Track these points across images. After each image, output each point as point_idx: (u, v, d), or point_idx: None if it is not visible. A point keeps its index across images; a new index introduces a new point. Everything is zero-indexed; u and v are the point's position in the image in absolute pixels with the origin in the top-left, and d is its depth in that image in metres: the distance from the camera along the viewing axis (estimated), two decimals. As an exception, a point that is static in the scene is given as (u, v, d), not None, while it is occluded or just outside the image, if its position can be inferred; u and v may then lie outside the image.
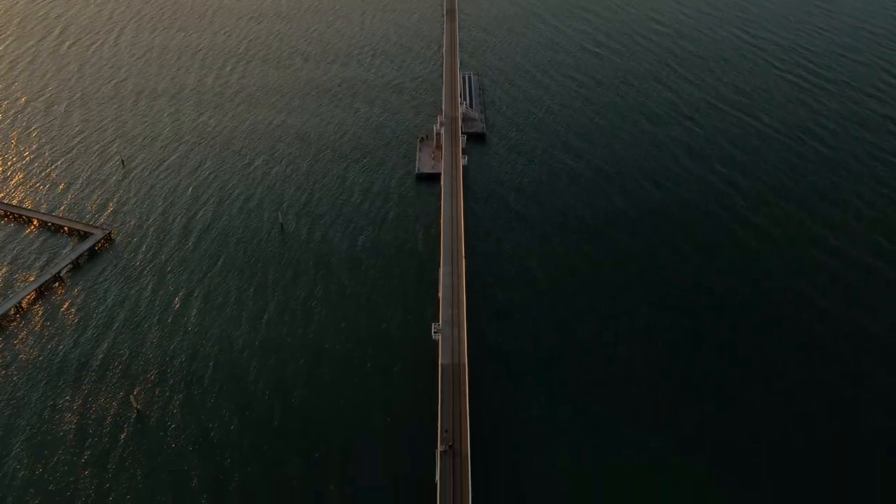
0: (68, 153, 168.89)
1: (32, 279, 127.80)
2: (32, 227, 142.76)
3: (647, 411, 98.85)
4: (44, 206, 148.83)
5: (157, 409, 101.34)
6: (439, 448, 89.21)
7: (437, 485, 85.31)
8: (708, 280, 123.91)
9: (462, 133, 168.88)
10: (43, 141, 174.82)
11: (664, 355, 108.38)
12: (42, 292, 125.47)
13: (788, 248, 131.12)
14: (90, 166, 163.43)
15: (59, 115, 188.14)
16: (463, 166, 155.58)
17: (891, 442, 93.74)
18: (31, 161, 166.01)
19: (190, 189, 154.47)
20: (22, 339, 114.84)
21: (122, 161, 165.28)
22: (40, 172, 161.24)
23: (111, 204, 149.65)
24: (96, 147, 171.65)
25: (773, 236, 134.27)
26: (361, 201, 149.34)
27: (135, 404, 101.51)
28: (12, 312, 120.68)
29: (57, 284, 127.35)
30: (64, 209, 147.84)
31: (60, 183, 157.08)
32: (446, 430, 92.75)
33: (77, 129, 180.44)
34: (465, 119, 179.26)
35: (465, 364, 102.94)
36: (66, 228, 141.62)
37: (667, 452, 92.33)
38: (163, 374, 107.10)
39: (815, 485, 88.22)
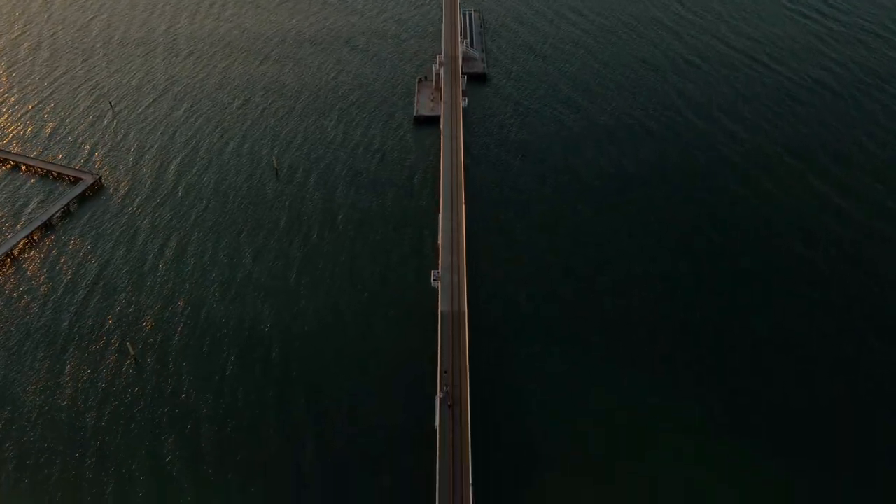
0: (51, 96, 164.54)
1: (22, 226, 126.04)
2: (20, 172, 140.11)
3: (646, 357, 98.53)
4: (31, 150, 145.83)
5: (154, 355, 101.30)
6: (439, 394, 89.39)
7: (436, 430, 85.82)
8: (708, 228, 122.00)
9: (462, 74, 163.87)
10: (25, 85, 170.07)
11: (663, 301, 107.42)
12: (33, 240, 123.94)
13: (789, 197, 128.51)
14: (76, 110, 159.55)
15: (41, 58, 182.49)
16: (463, 108, 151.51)
17: (887, 392, 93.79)
18: (15, 105, 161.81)
19: (179, 132, 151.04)
20: (14, 287, 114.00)
21: (111, 104, 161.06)
22: (25, 116, 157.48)
23: (100, 148, 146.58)
24: (81, 90, 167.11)
25: (774, 186, 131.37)
26: (357, 145, 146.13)
27: (131, 351, 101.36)
28: (3, 261, 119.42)
29: (48, 231, 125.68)
30: (52, 154, 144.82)
31: (47, 127, 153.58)
32: (445, 371, 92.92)
33: (60, 72, 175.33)
34: (466, 59, 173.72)
35: (464, 312, 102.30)
36: (54, 174, 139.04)
37: (665, 399, 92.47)
38: (159, 320, 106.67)
39: (813, 432, 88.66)
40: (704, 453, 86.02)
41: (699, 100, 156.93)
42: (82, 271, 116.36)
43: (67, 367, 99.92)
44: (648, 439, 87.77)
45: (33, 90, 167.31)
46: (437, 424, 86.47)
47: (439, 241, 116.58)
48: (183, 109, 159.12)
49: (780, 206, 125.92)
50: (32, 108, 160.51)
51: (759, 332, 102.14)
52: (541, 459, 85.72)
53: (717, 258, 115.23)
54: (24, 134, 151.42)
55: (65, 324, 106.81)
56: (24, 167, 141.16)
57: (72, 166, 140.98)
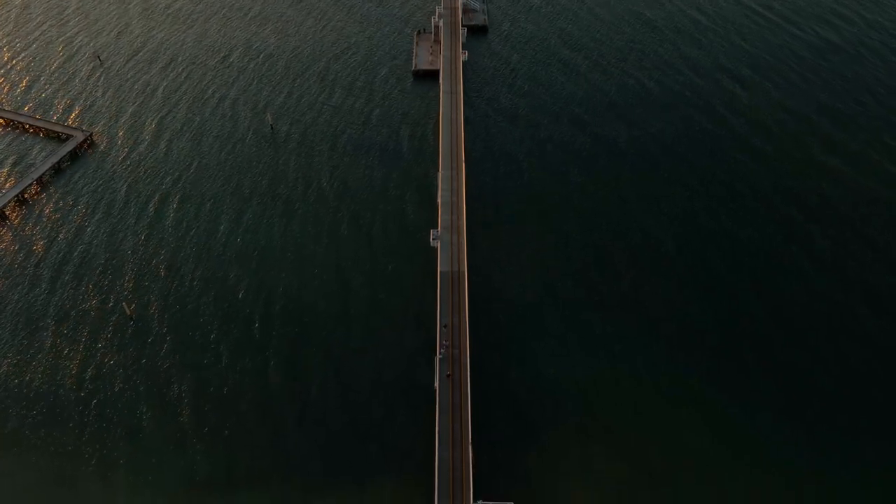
0: (32, 48, 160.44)
1: (13, 185, 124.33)
2: (9, 129, 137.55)
3: (645, 319, 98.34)
4: (19, 107, 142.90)
5: (150, 313, 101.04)
6: (439, 348, 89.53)
7: (436, 390, 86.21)
8: (707, 178, 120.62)
9: (462, 26, 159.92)
10: (10, 41, 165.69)
11: (661, 265, 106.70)
12: (24, 198, 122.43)
13: (793, 150, 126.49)
14: (65, 66, 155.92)
15: (29, 13, 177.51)
16: (463, 62, 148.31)
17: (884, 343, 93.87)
18: (1, 61, 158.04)
19: (164, 88, 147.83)
20: (6, 247, 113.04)
21: (99, 59, 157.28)
22: (11, 73, 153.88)
23: (91, 104, 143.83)
24: (62, 43, 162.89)
25: (777, 138, 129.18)
26: (354, 101, 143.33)
27: (127, 311, 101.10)
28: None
29: (40, 189, 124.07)
30: (41, 111, 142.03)
31: (35, 84, 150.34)
32: (445, 326, 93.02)
33: (43, 25, 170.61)
34: (466, 10, 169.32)
35: (464, 272, 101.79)
36: (44, 131, 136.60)
37: (665, 362, 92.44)
38: (155, 279, 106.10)
39: (815, 397, 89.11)
40: (704, 416, 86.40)
41: (702, 60, 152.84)
42: (75, 230, 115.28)
43: (61, 329, 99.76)
44: (649, 401, 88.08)
45: (19, 46, 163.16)
46: (436, 384, 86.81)
47: (438, 200, 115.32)
48: (171, 66, 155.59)
49: (782, 169, 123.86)
50: (19, 63, 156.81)
51: (759, 299, 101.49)
52: (541, 419, 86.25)
53: (715, 223, 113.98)
54: (11, 90, 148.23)
55: (58, 284, 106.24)
56: (13, 124, 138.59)
57: (62, 123, 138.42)
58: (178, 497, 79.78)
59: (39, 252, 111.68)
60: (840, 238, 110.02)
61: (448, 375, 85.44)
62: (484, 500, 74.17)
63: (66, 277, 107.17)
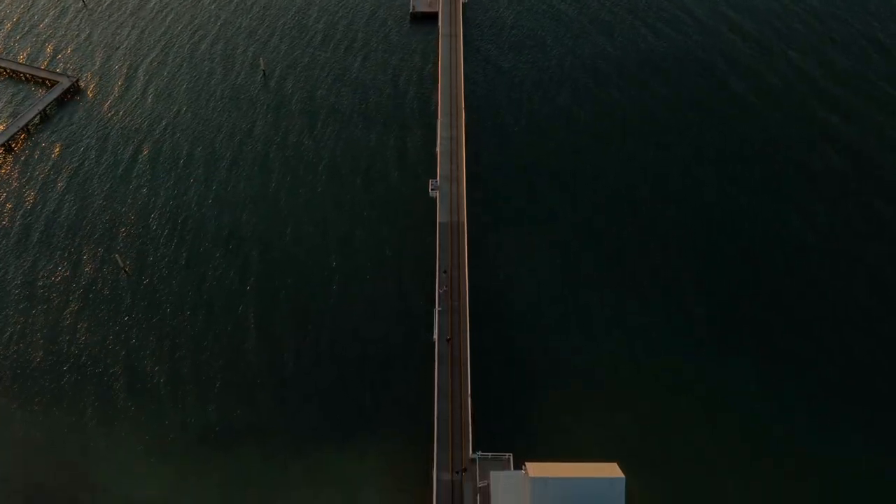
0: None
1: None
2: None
3: (643, 267, 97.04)
4: (0, 51, 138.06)
5: (144, 265, 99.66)
6: (438, 291, 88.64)
7: (435, 342, 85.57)
8: (706, 131, 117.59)
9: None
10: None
11: (660, 210, 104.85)
12: (10, 147, 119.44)
13: (794, 101, 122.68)
14: (47, 9, 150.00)
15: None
16: (463, 4, 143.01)
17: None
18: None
19: (150, 31, 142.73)
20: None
21: (83, 0, 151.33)
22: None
23: (75, 49, 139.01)
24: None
25: (777, 90, 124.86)
26: (348, 44, 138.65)
27: (121, 263, 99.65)
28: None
29: (26, 137, 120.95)
30: (25, 55, 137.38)
31: (18, 27, 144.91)
32: (444, 271, 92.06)
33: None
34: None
35: (464, 222, 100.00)
36: (28, 76, 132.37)
37: (660, 314, 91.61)
38: (148, 228, 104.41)
39: (816, 348, 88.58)
40: (702, 369, 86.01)
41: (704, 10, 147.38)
42: (64, 179, 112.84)
43: (53, 278, 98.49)
44: (647, 355, 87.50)
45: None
46: (435, 336, 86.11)
47: (437, 149, 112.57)
48: (158, 8, 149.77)
49: (786, 109, 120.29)
50: (1, 7, 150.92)
51: (756, 247, 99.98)
52: (539, 370, 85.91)
53: (714, 164, 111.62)
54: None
55: (50, 232, 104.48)
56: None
57: (47, 69, 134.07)
58: (174, 450, 79.89)
59: (28, 202, 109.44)
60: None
61: (448, 339, 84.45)
62: (483, 452, 74.26)
63: (56, 228, 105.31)
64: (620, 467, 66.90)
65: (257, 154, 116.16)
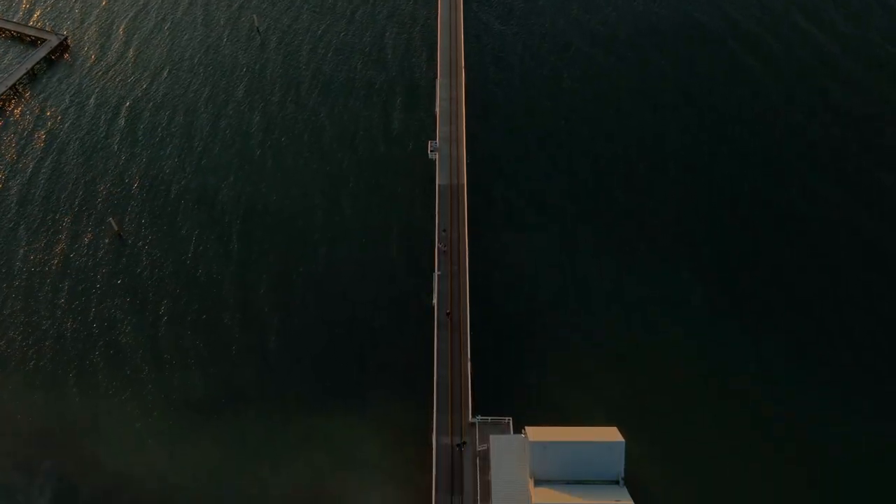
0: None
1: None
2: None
3: (641, 230, 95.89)
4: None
5: (137, 228, 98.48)
6: (437, 271, 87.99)
7: (434, 306, 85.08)
8: (705, 96, 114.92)
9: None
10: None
11: (660, 172, 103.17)
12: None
13: (795, 67, 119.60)
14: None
15: None
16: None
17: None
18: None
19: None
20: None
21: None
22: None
23: (64, 5, 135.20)
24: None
25: (778, 54, 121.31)
26: (343, 2, 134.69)
27: (114, 226, 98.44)
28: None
29: (13, 97, 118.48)
30: (12, 12, 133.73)
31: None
32: (444, 230, 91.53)
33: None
34: None
35: (463, 185, 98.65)
36: (17, 34, 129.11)
37: (659, 274, 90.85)
38: (136, 189, 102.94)
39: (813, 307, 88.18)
40: (703, 332, 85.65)
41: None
42: (51, 138, 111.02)
43: (36, 241, 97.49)
44: (647, 317, 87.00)
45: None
46: (434, 301, 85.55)
47: (437, 110, 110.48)
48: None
49: (787, 75, 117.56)
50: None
51: (755, 216, 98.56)
52: (539, 333, 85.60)
53: (713, 130, 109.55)
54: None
55: (40, 195, 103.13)
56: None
57: (35, 26, 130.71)
58: (170, 414, 79.86)
59: (14, 162, 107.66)
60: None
61: (448, 313, 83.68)
62: (482, 416, 74.38)
63: (41, 189, 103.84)
64: (620, 431, 67.16)
65: (244, 114, 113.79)
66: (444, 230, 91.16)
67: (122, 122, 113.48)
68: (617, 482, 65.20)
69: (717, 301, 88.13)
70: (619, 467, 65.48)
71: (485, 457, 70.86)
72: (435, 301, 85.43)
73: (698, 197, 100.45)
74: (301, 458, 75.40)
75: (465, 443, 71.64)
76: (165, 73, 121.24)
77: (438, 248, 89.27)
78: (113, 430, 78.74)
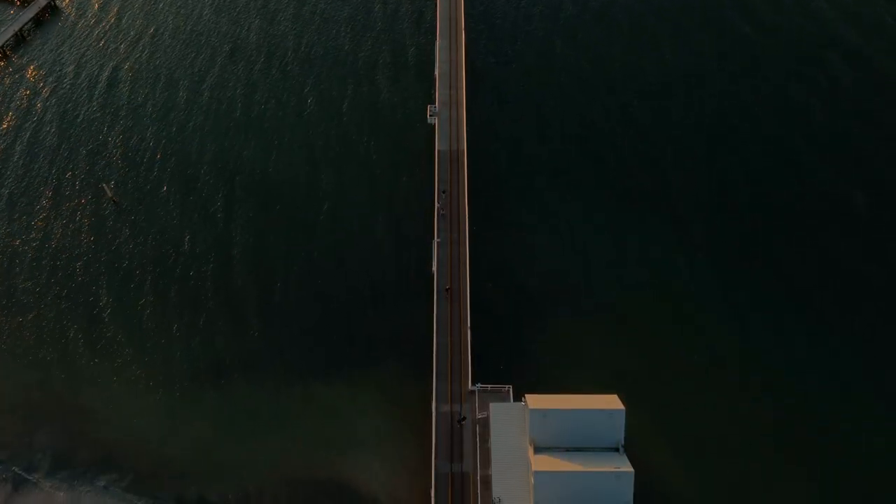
0: None
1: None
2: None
3: (643, 194, 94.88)
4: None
5: (126, 192, 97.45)
6: (436, 238, 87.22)
7: (433, 274, 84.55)
8: (706, 39, 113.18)
9: None
10: None
11: (661, 139, 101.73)
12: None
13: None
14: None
15: None
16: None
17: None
18: None
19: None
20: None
21: None
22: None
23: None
24: None
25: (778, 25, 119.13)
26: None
27: (108, 193, 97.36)
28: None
29: (2, 59, 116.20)
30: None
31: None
32: (444, 191, 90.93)
33: None
34: None
35: (463, 150, 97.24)
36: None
37: (659, 236, 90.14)
38: (129, 155, 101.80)
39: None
40: (704, 300, 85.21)
41: None
42: (41, 103, 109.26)
43: (33, 206, 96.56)
44: (648, 285, 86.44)
45: None
46: (434, 268, 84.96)
47: (436, 72, 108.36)
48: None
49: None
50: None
51: (759, 169, 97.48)
52: (538, 299, 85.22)
53: (715, 73, 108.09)
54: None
55: (31, 160, 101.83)
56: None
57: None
58: (168, 384, 79.89)
59: (5, 128, 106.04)
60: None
61: (447, 289, 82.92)
62: (482, 384, 74.39)
63: (34, 155, 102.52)
64: (620, 399, 67.12)
65: (240, 74, 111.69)
66: (444, 191, 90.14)
67: (109, 85, 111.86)
68: (617, 449, 65.38)
69: (718, 272, 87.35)
70: (619, 435, 65.56)
71: (484, 424, 71.06)
72: (434, 269, 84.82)
73: (702, 165, 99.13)
74: (297, 428, 75.65)
75: (465, 418, 71.76)
76: (155, 37, 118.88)
77: (438, 210, 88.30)
78: (102, 403, 78.78)
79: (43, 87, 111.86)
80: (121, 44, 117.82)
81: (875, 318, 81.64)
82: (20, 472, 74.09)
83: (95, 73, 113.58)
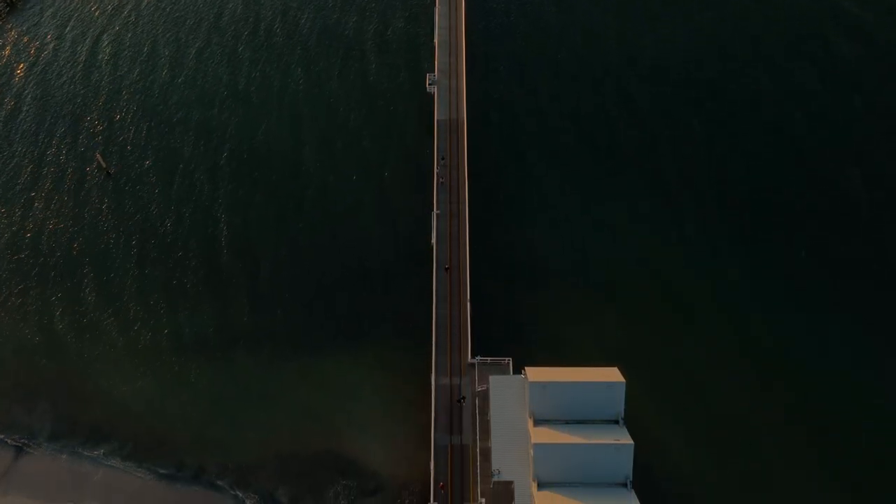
0: None
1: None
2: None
3: (639, 165, 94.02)
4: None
5: (122, 163, 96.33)
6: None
7: (433, 246, 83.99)
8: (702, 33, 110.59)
9: None
10: None
11: (662, 108, 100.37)
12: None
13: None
14: None
15: None
16: None
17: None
18: None
19: None
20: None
21: None
22: None
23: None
24: None
25: None
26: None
27: (101, 163, 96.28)
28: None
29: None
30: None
31: None
32: (443, 158, 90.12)
33: None
34: None
35: (463, 120, 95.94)
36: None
37: (665, 212, 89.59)
38: (115, 125, 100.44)
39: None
40: (707, 270, 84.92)
41: None
42: (30, 71, 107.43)
43: (19, 174, 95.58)
44: (648, 256, 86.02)
45: None
46: (433, 240, 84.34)
47: (435, 40, 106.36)
48: None
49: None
50: None
51: (755, 142, 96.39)
52: (538, 271, 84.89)
53: (717, 45, 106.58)
54: None
55: (22, 125, 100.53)
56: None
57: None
58: (168, 355, 79.98)
59: None
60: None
61: (446, 269, 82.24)
62: (482, 357, 74.36)
63: (21, 123, 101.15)
64: (621, 371, 67.11)
65: (227, 43, 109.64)
66: (443, 158, 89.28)
67: (103, 51, 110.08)
68: (617, 422, 65.57)
69: (717, 247, 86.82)
70: (619, 407, 65.70)
71: (484, 397, 71.19)
72: (434, 241, 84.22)
73: (702, 130, 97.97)
74: (294, 401, 75.96)
75: (464, 397, 71.76)
76: (139, 6, 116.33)
77: (437, 177, 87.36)
78: (96, 376, 79.09)
79: (32, 54, 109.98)
80: (115, 6, 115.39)
81: (870, 291, 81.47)
82: (19, 442, 74.68)
83: (79, 40, 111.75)
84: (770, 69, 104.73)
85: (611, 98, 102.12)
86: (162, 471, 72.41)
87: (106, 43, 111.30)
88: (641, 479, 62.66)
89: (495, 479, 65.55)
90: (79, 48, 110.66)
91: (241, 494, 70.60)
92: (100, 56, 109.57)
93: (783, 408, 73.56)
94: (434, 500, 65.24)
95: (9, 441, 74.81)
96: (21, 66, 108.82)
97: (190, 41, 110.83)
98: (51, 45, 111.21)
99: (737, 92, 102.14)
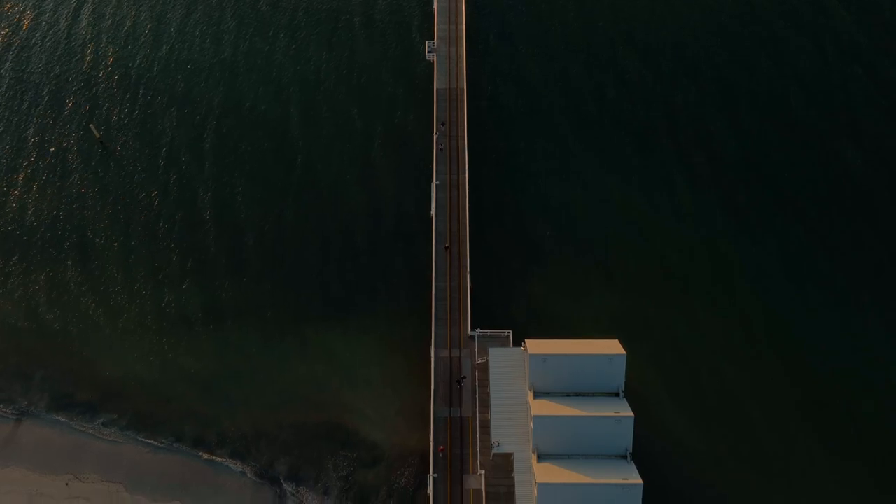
0: None
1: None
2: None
3: (641, 134, 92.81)
4: None
5: (109, 133, 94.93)
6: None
7: (433, 218, 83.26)
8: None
9: None
10: None
11: (665, 83, 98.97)
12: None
13: None
14: None
15: None
16: None
17: None
18: None
19: None
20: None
21: None
22: None
23: None
24: None
25: None
26: None
27: (95, 133, 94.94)
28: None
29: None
30: None
31: None
32: (443, 124, 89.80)
33: None
34: None
35: (463, 89, 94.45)
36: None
37: (656, 177, 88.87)
38: (110, 94, 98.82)
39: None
40: (709, 243, 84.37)
41: None
42: (11, 40, 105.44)
43: (6, 145, 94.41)
44: (649, 228, 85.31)
45: None
46: (433, 212, 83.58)
47: (435, 6, 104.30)
48: None
49: None
50: None
51: (756, 118, 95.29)
52: (539, 242, 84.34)
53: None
54: None
55: (15, 97, 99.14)
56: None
57: None
58: (167, 329, 79.70)
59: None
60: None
61: (446, 248, 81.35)
62: (481, 330, 74.15)
63: (13, 92, 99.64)
64: (622, 343, 66.99)
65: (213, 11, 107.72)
66: (443, 124, 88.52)
67: (86, 19, 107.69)
68: (617, 394, 65.67)
69: (719, 212, 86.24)
70: (619, 380, 65.81)
71: (484, 370, 71.15)
72: (433, 212, 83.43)
73: (704, 103, 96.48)
74: (294, 371, 76.05)
75: (465, 377, 71.52)
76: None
77: (436, 144, 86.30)
78: (96, 345, 79.09)
79: (10, 23, 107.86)
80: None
81: (867, 264, 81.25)
82: (19, 410, 74.98)
83: (59, 9, 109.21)
84: (773, 42, 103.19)
85: (616, 69, 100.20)
86: (160, 442, 72.70)
87: (90, 10, 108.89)
88: (641, 452, 62.95)
89: (495, 451, 65.91)
90: (61, 18, 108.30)
91: (239, 465, 71.02)
92: (83, 24, 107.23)
93: (780, 379, 73.70)
94: (434, 470, 65.48)
95: (8, 409, 75.13)
96: (1, 34, 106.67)
97: (176, 8, 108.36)
98: (31, 14, 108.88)
99: (732, 64, 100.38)
